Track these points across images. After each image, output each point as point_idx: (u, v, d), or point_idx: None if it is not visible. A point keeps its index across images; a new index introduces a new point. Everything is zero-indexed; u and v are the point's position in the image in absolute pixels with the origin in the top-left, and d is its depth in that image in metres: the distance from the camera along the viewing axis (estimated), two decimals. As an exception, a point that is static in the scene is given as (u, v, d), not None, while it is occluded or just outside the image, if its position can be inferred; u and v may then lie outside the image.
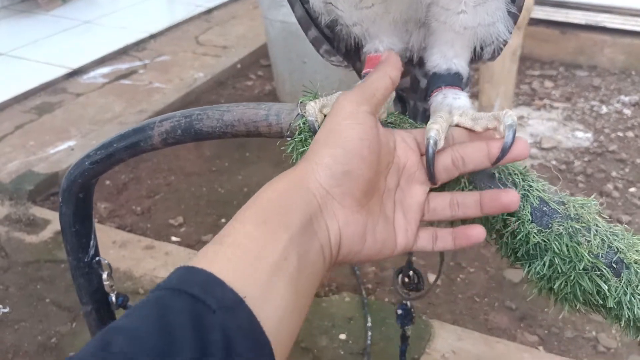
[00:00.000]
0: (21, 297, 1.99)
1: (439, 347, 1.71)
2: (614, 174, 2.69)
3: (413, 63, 0.74)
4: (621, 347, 1.81)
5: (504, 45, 0.68)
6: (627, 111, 3.26)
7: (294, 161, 0.73)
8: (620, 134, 3.04)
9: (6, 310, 1.89)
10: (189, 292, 0.41)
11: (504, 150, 0.56)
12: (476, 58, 0.69)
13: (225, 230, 0.47)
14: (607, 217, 0.64)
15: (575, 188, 2.57)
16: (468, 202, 0.57)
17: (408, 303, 1.02)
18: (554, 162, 2.77)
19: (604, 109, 3.28)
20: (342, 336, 1.80)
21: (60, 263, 2.11)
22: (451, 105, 0.62)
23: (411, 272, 0.96)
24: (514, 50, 2.80)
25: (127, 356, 0.37)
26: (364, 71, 0.70)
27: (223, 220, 2.41)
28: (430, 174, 0.58)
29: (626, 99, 3.38)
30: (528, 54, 3.65)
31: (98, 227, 0.94)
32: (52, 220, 2.31)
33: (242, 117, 0.77)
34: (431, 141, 0.56)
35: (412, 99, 0.80)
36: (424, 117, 0.76)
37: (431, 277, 2.06)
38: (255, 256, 0.45)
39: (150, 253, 2.12)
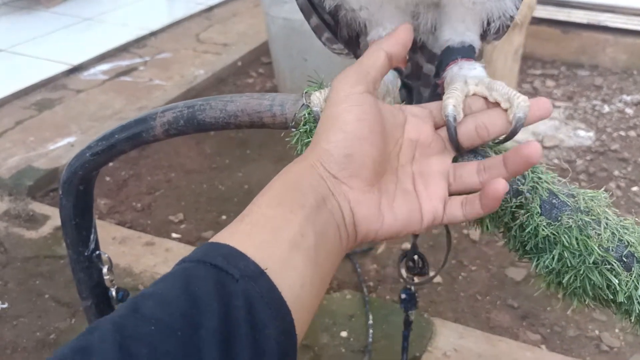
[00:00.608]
0: (20, 292, 1.98)
1: (440, 345, 1.70)
2: (616, 173, 2.68)
3: (415, 48, 0.73)
4: (624, 346, 1.80)
5: (510, 22, 0.67)
6: (629, 110, 3.25)
7: (298, 152, 0.72)
8: (623, 133, 3.03)
9: (5, 306, 1.87)
10: (213, 263, 0.43)
11: (507, 139, 0.58)
12: (483, 34, 0.68)
13: (244, 212, 0.49)
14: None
15: (577, 187, 2.56)
16: (493, 163, 0.56)
17: (412, 287, 1.02)
18: (556, 161, 2.76)
19: (606, 108, 3.27)
20: (343, 334, 1.79)
21: (59, 259, 2.10)
22: (466, 76, 0.61)
23: (416, 257, 0.96)
24: (515, 49, 2.79)
25: (155, 318, 0.39)
26: None
27: (223, 217, 2.40)
28: (456, 147, 0.58)
29: (628, 98, 3.38)
30: (530, 53, 3.64)
31: (98, 223, 0.93)
32: (52, 215, 2.30)
33: (245, 107, 0.76)
34: (450, 118, 0.56)
35: (414, 85, 0.79)
36: (431, 99, 0.75)
37: (432, 274, 2.05)
38: (273, 233, 0.46)
39: (150, 249, 2.11)
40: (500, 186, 0.52)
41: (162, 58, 3.89)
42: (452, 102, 0.57)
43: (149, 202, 2.49)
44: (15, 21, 4.43)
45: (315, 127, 0.69)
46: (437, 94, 0.70)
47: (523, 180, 0.62)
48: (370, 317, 1.82)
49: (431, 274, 0.97)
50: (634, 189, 2.57)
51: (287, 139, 0.74)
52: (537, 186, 0.62)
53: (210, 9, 4.74)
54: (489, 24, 0.67)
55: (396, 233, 0.54)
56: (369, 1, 0.64)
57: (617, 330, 1.83)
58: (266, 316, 0.42)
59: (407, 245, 2.15)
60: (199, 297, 0.40)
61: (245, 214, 0.49)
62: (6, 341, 1.82)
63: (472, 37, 0.66)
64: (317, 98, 0.67)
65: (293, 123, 0.72)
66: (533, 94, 3.43)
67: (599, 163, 2.76)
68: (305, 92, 0.72)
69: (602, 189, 0.64)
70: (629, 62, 3.75)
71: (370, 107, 0.53)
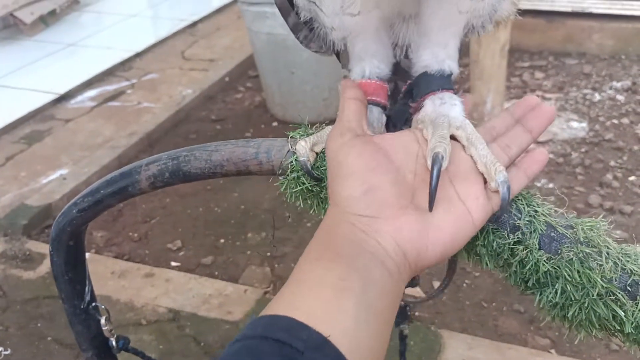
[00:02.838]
0: (22, 336, 1.95)
1: (450, 358, 1.68)
2: (612, 163, 2.66)
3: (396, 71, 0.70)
4: (634, 343, 1.78)
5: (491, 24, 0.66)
6: (620, 97, 3.24)
7: (288, 199, 0.71)
8: (615, 121, 3.02)
9: (7, 352, 1.85)
10: (275, 337, 0.44)
11: (503, 208, 0.56)
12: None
13: (291, 275, 0.52)
14: (609, 210, 0.63)
15: (574, 181, 2.55)
16: (516, 134, 0.59)
17: (402, 302, 0.98)
18: (551, 156, 2.74)
19: (597, 97, 3.26)
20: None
21: (59, 299, 2.07)
22: (448, 116, 0.59)
23: None
24: (502, 45, 2.78)
25: None
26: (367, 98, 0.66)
27: (222, 240, 2.38)
28: (431, 199, 0.54)
29: (618, 84, 3.37)
30: (516, 46, 3.63)
31: (95, 258, 0.92)
32: (48, 254, 2.27)
33: (230, 156, 0.75)
34: (435, 173, 0.53)
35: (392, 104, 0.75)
36: (398, 115, 0.71)
37: (437, 284, 2.04)
38: (315, 285, 0.48)
39: (150, 281, 2.08)
40: (545, 155, 0.58)
41: (148, 79, 3.88)
42: (440, 150, 0.55)
43: (146, 231, 2.47)
44: (-1, 52, 4.40)
45: (303, 174, 0.67)
46: (406, 112, 0.67)
47: (519, 215, 0.60)
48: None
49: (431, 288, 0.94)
50: (631, 178, 2.56)
51: (276, 184, 0.73)
52: (534, 220, 0.61)
53: (194, 24, 4.72)
54: (466, 35, 0.64)
55: (450, 243, 0.53)
56: (345, 26, 0.61)
57: (626, 327, 1.81)
58: None
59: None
60: None
61: (291, 276, 0.51)
62: (12, 387, 1.80)
63: (452, 65, 0.64)
64: (302, 148, 0.66)
65: (280, 171, 0.70)
66: (522, 87, 3.42)
67: (595, 154, 2.74)
68: (291, 137, 0.70)
69: (599, 183, 0.63)
70: (616, 47, 3.75)
71: (364, 145, 0.55)
